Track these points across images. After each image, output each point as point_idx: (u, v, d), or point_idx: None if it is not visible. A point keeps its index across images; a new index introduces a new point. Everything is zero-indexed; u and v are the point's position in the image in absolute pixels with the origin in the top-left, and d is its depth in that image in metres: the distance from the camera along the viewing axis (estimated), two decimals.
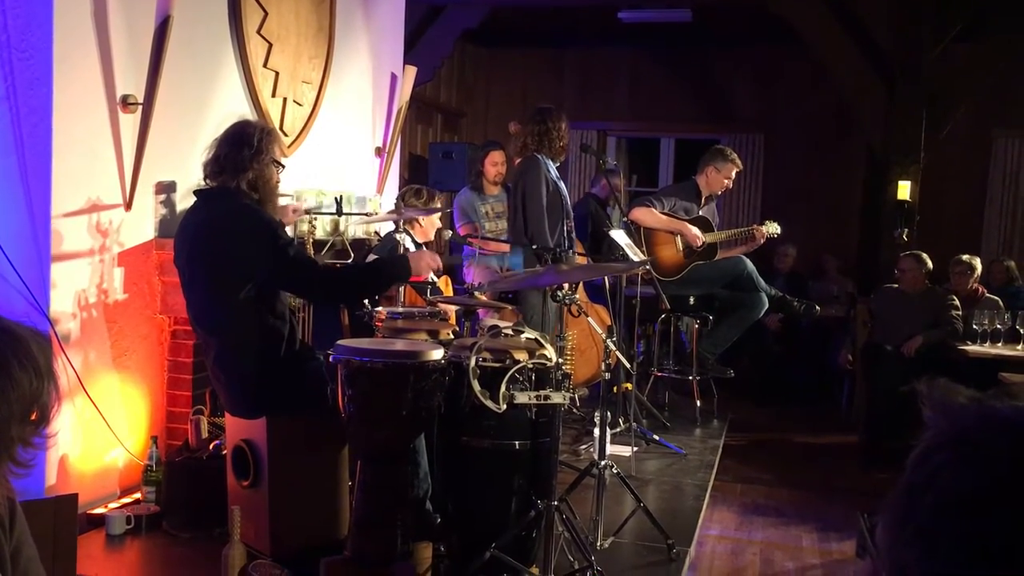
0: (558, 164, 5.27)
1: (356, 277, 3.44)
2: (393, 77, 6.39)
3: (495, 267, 6.03)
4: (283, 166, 3.47)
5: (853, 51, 7.16)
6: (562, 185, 5.21)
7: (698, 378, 6.05)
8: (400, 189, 5.86)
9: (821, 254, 8.67)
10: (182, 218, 3.51)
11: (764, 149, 9.11)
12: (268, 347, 3.29)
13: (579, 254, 5.42)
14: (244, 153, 3.33)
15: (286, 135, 5.05)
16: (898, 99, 7.10)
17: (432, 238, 5.73)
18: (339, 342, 3.18)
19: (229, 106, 4.61)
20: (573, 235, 5.25)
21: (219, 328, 3.31)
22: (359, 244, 5.33)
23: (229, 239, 3.24)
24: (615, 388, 5.11)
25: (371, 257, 5.11)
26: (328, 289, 3.35)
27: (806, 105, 8.93)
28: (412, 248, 5.17)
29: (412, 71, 6.18)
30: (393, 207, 5.19)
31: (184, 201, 4.22)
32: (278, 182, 3.47)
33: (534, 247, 4.45)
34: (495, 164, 6.28)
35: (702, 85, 9.26)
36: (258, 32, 4.79)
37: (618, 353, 3.82)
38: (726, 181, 5.93)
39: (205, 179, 3.41)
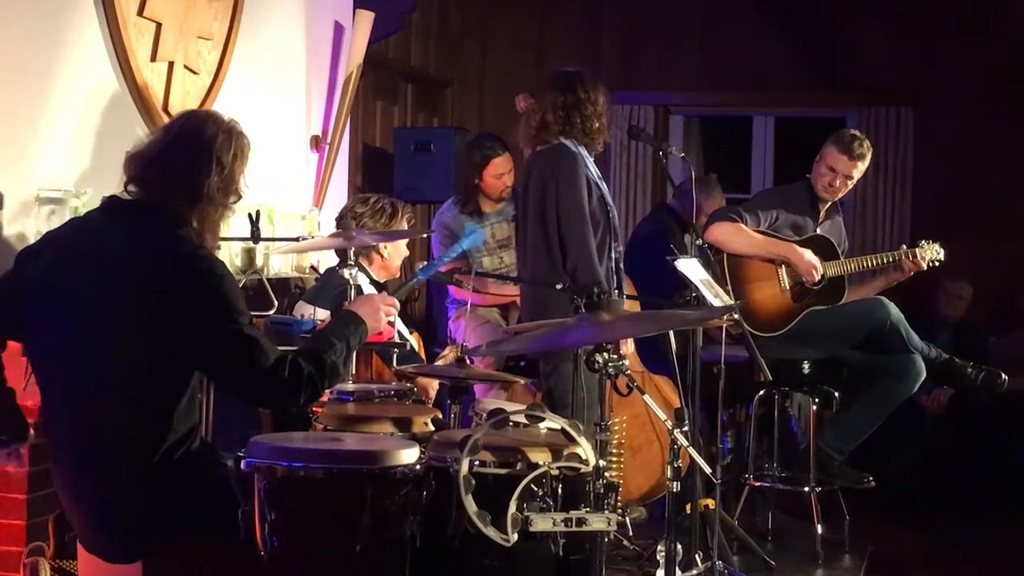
0: (594, 157, 5.30)
1: (313, 371, 3.41)
2: (338, 28, 6.46)
3: (497, 319, 6.03)
4: (241, 196, 3.54)
5: None
6: (605, 188, 5.23)
7: (819, 489, 6.01)
8: (350, 200, 5.88)
9: (1010, 293, 8.63)
10: (64, 234, 3.52)
11: (913, 132, 9.10)
12: (157, 446, 3.29)
13: (629, 297, 5.42)
14: (207, 173, 3.36)
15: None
16: None
17: (397, 275, 5.73)
18: (256, 438, 3.19)
19: (84, 77, 4.65)
20: (621, 267, 5.26)
21: (97, 414, 3.31)
22: (284, 286, 5.35)
23: (171, 291, 3.26)
24: (688, 506, 5.08)
25: (305, 310, 5.12)
26: (284, 390, 3.34)
27: (977, 64, 8.94)
28: (370, 291, 5.18)
29: (368, 19, 6.25)
30: (338, 228, 5.20)
31: (23, 219, 4.25)
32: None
33: (575, 287, 4.44)
34: (499, 176, 6.29)
35: (815, 35, 9.29)
36: None
37: (692, 451, 3.80)
38: (827, 176, 5.94)
39: (128, 184, 3.44)
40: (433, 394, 5.15)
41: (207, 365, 3.33)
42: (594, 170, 5.17)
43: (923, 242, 6.10)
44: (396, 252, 5.41)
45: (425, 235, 6.92)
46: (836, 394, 6.00)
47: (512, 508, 3.08)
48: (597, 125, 5.17)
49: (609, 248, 5.12)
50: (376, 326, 3.53)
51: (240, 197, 3.53)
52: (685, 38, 9.49)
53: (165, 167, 3.38)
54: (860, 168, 5.96)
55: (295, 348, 3.43)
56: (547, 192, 5.04)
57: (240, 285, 4.87)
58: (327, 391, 3.85)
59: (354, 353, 3.54)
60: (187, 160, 3.38)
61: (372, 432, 3.79)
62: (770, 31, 9.32)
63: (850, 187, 6.05)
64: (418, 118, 9.20)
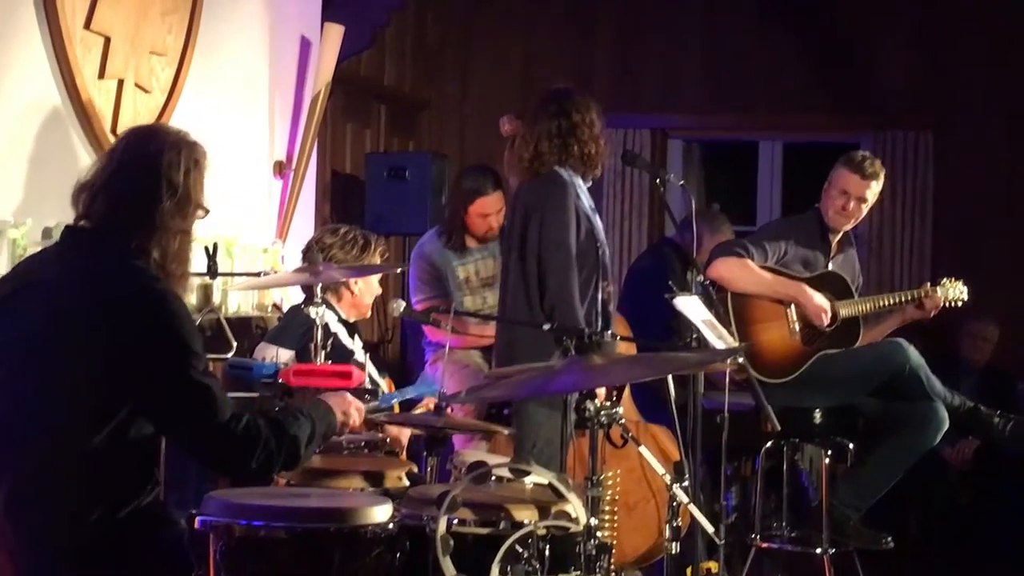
0: (590, 184, 5.31)
1: (271, 436, 3.41)
2: (305, 43, 6.48)
3: (478, 363, 6.02)
4: (208, 211, 3.54)
5: None
6: (597, 221, 5.24)
7: (832, 551, 5.99)
8: (317, 231, 5.88)
9: None
10: (23, 268, 3.56)
11: (933, 158, 9.14)
12: (101, 500, 3.27)
13: (623, 338, 5.43)
14: (158, 199, 3.36)
15: None
16: None
17: (368, 314, 5.72)
18: (211, 494, 3.18)
19: (24, 96, 4.64)
20: (612, 307, 5.26)
21: (38, 458, 3.30)
22: (244, 327, 5.35)
23: (118, 329, 3.25)
24: (689, 570, 5.07)
25: (267, 352, 5.11)
26: (234, 450, 3.33)
27: (1003, 83, 8.98)
28: (339, 331, 5.19)
29: (337, 33, 6.27)
30: (304, 261, 5.20)
31: None
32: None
33: (553, 328, 4.45)
34: (485, 215, 6.28)
35: (826, 53, 9.32)
36: None
37: (693, 509, 3.79)
38: (840, 200, 5.96)
39: (78, 220, 3.44)
40: (406, 444, 5.14)
41: (152, 412, 3.30)
42: (587, 200, 5.18)
43: (945, 280, 6.12)
44: (367, 289, 5.41)
45: (399, 270, 6.91)
46: (851, 446, 5.97)
47: (495, 571, 3.07)
48: (595, 149, 5.18)
49: (596, 287, 5.13)
50: (345, 422, 3.56)
51: (207, 211, 3.53)
52: (685, 55, 9.51)
53: (112, 197, 3.37)
54: (874, 189, 5.97)
55: (254, 395, 3.42)
56: (530, 223, 5.06)
57: (195, 323, 4.89)
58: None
59: (318, 444, 3.49)
60: (134, 187, 3.37)
61: (340, 487, 3.80)
62: (777, 48, 9.34)
63: (864, 212, 6.05)
64: (392, 142, 9.21)
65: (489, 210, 6.23)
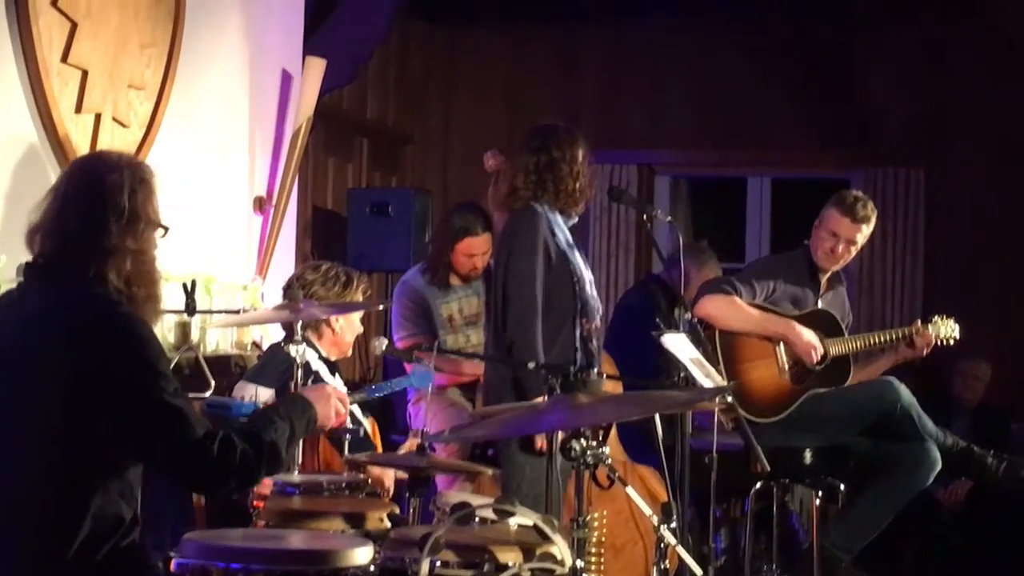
0: (572, 222, 5.31)
1: (248, 449, 3.39)
2: (286, 77, 6.47)
3: (462, 402, 5.99)
4: (166, 229, 3.51)
5: None
6: (578, 257, 5.22)
7: None
8: (299, 268, 5.86)
9: None
10: None
11: (925, 196, 9.16)
12: (73, 540, 3.22)
13: (610, 377, 5.40)
14: (105, 222, 3.34)
15: None
16: None
17: (349, 353, 5.69)
18: (188, 535, 3.15)
19: (0, 130, 4.63)
20: (597, 344, 5.23)
21: (9, 495, 3.27)
22: (223, 365, 5.32)
23: (83, 357, 3.23)
24: None
25: (247, 390, 5.08)
26: (211, 469, 3.30)
27: (996, 118, 9.00)
28: (320, 369, 5.16)
29: (319, 67, 6.27)
30: (285, 298, 5.17)
31: None
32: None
33: (527, 365, 4.44)
34: (471, 255, 6.28)
35: (816, 88, 9.37)
36: (54, 4, 4.85)
37: (681, 551, 3.76)
38: (828, 242, 5.95)
39: (37, 259, 3.43)
40: (390, 486, 5.11)
41: (125, 438, 3.27)
42: (564, 236, 5.17)
43: (936, 317, 6.12)
44: (349, 326, 5.40)
45: (382, 307, 6.89)
46: (842, 487, 5.96)
47: None
48: (575, 186, 5.19)
49: (574, 324, 5.11)
50: (327, 415, 3.51)
51: (166, 229, 3.50)
52: (672, 90, 9.57)
53: (62, 232, 3.36)
54: (864, 232, 5.97)
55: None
56: (499, 258, 5.15)
57: (173, 363, 4.85)
58: (267, 479, 3.79)
59: (299, 439, 3.49)
60: (81, 218, 3.36)
61: (320, 529, 3.79)
62: (766, 84, 9.40)
63: (853, 254, 6.06)
64: (375, 177, 9.23)
65: (476, 251, 6.23)
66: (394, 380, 5.20)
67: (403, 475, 4.74)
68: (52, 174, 4.91)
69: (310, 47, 6.67)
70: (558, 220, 5.17)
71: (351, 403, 3.98)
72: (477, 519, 3.46)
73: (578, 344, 5.11)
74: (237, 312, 5.43)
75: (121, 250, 3.35)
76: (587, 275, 5.24)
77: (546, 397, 4.66)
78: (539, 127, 5.31)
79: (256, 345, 6.08)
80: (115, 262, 3.34)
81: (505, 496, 4.69)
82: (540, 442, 4.69)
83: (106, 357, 3.21)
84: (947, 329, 6.06)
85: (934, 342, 6.04)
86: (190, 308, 4.91)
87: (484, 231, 6.23)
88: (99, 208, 3.35)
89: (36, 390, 3.25)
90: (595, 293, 5.27)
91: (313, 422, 3.49)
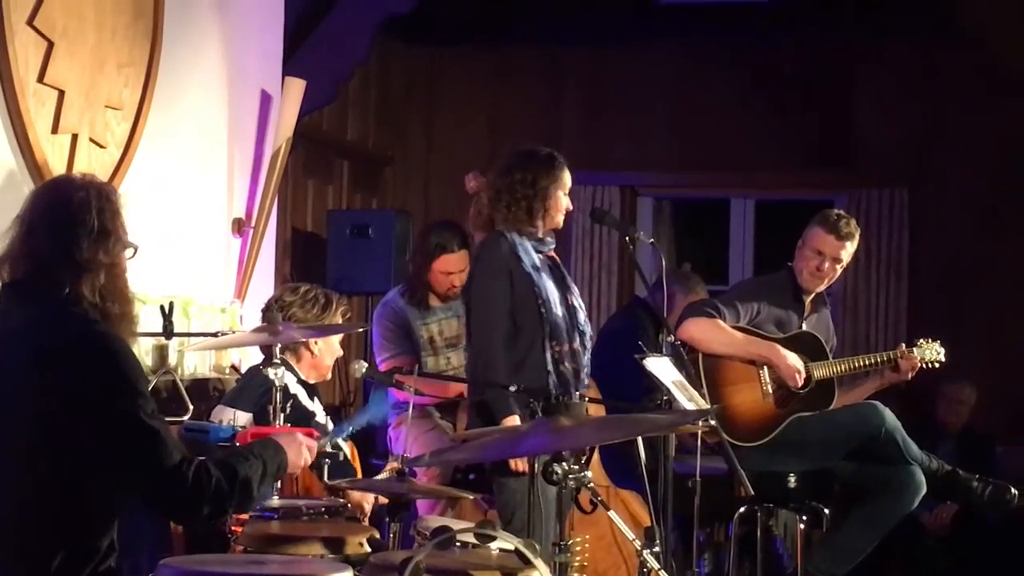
0: (550, 248, 5.33)
1: (222, 479, 3.38)
2: (265, 97, 6.46)
3: (444, 426, 5.98)
4: (135, 248, 3.52)
5: None
6: (545, 281, 5.20)
7: None
8: (278, 290, 5.85)
9: (1020, 397, 8.63)
10: None
11: (909, 217, 9.17)
12: (50, 563, 3.22)
13: (592, 400, 5.40)
14: (76, 241, 3.34)
15: None
16: None
17: (328, 376, 5.68)
18: (165, 561, 3.14)
19: None
20: (573, 366, 5.21)
21: None
22: (201, 388, 5.30)
23: (58, 375, 3.23)
24: None
25: (225, 414, 5.06)
26: (184, 496, 3.29)
27: (981, 140, 9.03)
28: (298, 392, 5.15)
29: (299, 87, 6.26)
30: (264, 321, 5.16)
31: None
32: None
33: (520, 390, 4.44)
34: (448, 273, 6.27)
35: (800, 110, 9.39)
36: (30, 23, 4.84)
37: (664, 575, 3.74)
38: (814, 260, 5.95)
39: (12, 281, 3.43)
40: (368, 510, 5.09)
41: (99, 458, 3.26)
42: (531, 259, 5.17)
43: (921, 340, 6.12)
44: (328, 349, 5.39)
45: (361, 329, 6.87)
46: (826, 511, 5.95)
47: None
48: (547, 208, 5.19)
49: (543, 347, 5.11)
50: (296, 461, 3.53)
51: (135, 248, 3.52)
52: (655, 111, 9.58)
53: (32, 256, 3.37)
54: (849, 250, 5.97)
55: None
56: (466, 284, 5.28)
57: (150, 387, 4.82)
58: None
59: (270, 482, 3.48)
60: (51, 240, 3.36)
61: (299, 554, 3.77)
62: (749, 105, 9.41)
63: (838, 273, 6.06)
64: (355, 199, 9.23)
65: (452, 268, 6.22)
66: (355, 416, 5.19)
67: (384, 499, 4.74)
68: (27, 193, 4.89)
69: (290, 67, 6.67)
70: (525, 244, 5.20)
71: (320, 448, 3.99)
72: (458, 544, 3.43)
73: (550, 367, 5.11)
74: (215, 335, 5.43)
75: (94, 264, 3.36)
76: (556, 296, 5.22)
77: (518, 419, 4.73)
78: (518, 153, 5.35)
79: (235, 368, 6.07)
80: (89, 277, 3.35)
81: (496, 521, 4.69)
82: (520, 465, 4.68)
83: (85, 374, 3.22)
84: (932, 352, 6.06)
85: (919, 365, 6.04)
86: (168, 331, 4.90)
87: (460, 248, 6.23)
88: (68, 226, 3.36)
89: (15, 410, 3.26)
90: (581, 316, 5.28)
91: (284, 467, 3.51)
